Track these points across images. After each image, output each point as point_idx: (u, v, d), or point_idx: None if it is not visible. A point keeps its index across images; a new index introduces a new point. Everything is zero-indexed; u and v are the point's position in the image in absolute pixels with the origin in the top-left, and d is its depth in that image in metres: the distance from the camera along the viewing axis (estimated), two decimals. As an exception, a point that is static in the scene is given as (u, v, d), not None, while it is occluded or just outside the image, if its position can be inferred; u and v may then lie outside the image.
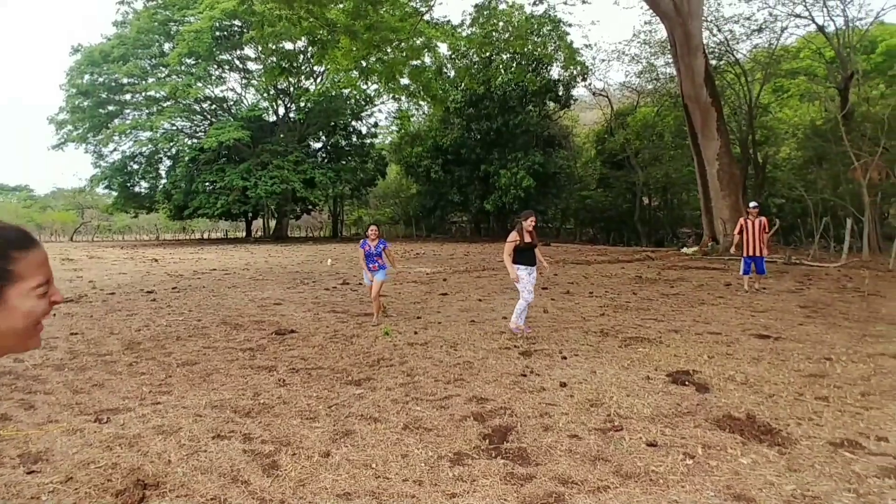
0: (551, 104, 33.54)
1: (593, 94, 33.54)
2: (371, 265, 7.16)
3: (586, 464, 2.96)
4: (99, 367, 5.01)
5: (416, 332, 6.47)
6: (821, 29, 21.82)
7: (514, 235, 6.19)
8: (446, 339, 6.11)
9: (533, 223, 6.24)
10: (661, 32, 25.78)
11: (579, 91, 33.78)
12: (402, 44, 18.19)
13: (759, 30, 24.12)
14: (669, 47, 20.37)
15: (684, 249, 18.84)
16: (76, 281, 12.15)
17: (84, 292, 10.20)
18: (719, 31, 24.64)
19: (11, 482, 2.79)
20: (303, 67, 33.12)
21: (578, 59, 26.84)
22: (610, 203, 33.67)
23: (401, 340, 6.07)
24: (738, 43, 25.23)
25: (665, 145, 29.86)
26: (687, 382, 4.39)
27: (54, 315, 7.74)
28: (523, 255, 6.24)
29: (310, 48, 29.31)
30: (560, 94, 32.19)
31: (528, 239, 6.19)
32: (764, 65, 24.55)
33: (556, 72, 31.84)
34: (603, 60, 48.57)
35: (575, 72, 29.70)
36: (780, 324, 6.68)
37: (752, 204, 9.76)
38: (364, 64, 18.73)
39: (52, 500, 2.62)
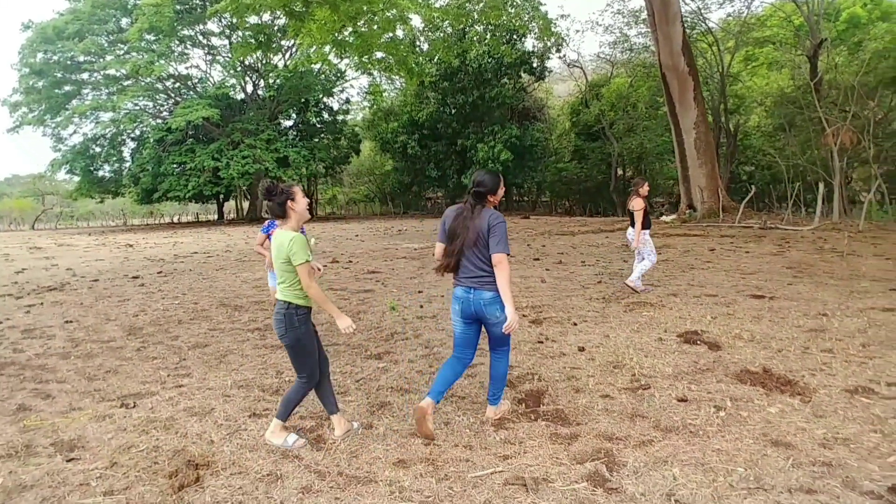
0: (526, 76, 33.29)
1: (567, 65, 33.40)
2: None
3: (625, 421, 3.06)
4: (106, 354, 4.89)
5: (421, 306, 6.49)
6: (790, -4, 22.16)
7: (641, 203, 6.44)
8: (454, 311, 6.14)
9: (648, 188, 6.61)
10: (634, 2, 25.81)
11: (553, 63, 33.65)
12: (376, 16, 17.70)
13: (731, -2, 24.34)
14: (646, 16, 20.40)
15: (663, 218, 19.23)
16: (52, 269, 11.71)
17: (65, 280, 9.85)
18: (692, -1, 24.77)
19: (53, 471, 2.73)
20: (272, 43, 31.92)
21: (553, 29, 26.59)
22: (585, 175, 33.90)
23: (409, 314, 6.09)
24: (710, 12, 25.44)
25: (639, 115, 30.09)
26: (698, 342, 4.55)
27: (41, 304, 7.48)
28: (647, 220, 6.58)
29: (277, 21, 28.30)
30: (535, 66, 31.95)
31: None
32: (735, 34, 24.84)
33: (530, 43, 31.56)
34: (577, 31, 48.45)
35: (549, 43, 29.45)
36: (771, 284, 6.95)
37: None
38: (338, 37, 18.17)
39: (103, 485, 2.58)
